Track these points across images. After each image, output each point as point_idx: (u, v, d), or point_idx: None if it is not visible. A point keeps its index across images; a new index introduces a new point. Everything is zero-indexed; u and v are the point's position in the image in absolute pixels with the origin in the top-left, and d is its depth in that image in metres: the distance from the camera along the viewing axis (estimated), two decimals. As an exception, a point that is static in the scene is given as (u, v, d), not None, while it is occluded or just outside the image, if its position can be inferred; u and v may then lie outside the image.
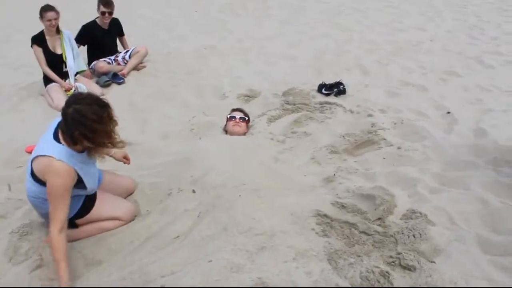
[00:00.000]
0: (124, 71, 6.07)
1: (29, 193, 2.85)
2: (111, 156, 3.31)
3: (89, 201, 3.04)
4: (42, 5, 5.33)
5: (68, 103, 2.57)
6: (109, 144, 2.69)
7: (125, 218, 3.11)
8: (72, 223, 2.98)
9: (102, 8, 6.05)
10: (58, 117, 2.76)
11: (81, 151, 2.76)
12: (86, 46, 6.19)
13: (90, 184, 2.88)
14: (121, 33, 6.54)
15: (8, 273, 2.69)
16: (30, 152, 4.16)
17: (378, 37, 7.64)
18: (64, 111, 2.56)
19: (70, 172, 2.65)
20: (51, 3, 5.37)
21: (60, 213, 2.61)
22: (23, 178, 3.69)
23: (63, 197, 2.63)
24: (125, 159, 3.41)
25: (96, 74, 6.07)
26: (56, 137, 2.71)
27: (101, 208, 3.06)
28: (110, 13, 6.12)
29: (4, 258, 2.78)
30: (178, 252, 2.71)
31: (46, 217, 2.86)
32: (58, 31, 5.40)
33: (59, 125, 2.73)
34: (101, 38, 6.17)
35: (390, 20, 8.79)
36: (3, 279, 2.65)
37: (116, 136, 2.70)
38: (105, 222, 3.06)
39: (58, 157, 2.61)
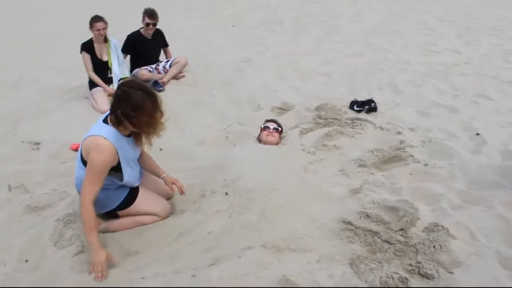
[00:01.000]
0: (164, 80, 6.36)
1: (77, 180, 3.04)
2: (162, 178, 3.41)
3: (132, 195, 3.22)
4: (89, 14, 5.70)
5: (119, 85, 2.81)
6: (151, 130, 2.84)
7: (162, 215, 3.29)
8: (113, 214, 3.22)
9: (147, 20, 6.38)
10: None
11: (128, 135, 2.96)
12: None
13: (127, 175, 3.02)
14: (165, 44, 6.86)
15: (53, 256, 2.94)
16: (75, 150, 4.47)
17: (412, 58, 7.75)
18: (115, 92, 2.81)
19: (112, 151, 2.81)
20: (99, 14, 5.74)
21: (95, 187, 2.77)
22: (68, 172, 4.04)
23: (100, 174, 2.80)
24: (176, 186, 3.40)
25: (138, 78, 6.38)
26: (105, 121, 2.91)
27: (142, 202, 3.24)
28: (154, 25, 6.45)
29: (50, 242, 3.04)
30: (210, 248, 2.91)
31: (96, 206, 2.95)
32: (105, 39, 5.74)
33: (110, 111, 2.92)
34: (144, 47, 6.49)
35: (425, 42, 8.87)
36: (49, 260, 2.89)
37: (159, 126, 2.85)
38: (143, 216, 3.25)
39: (105, 135, 2.80)
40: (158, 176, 3.40)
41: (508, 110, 5.33)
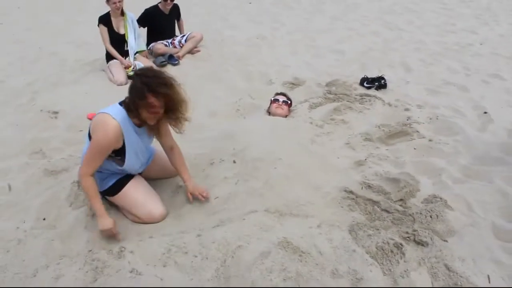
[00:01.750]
0: (180, 54, 6.47)
1: (84, 151, 2.99)
2: (185, 184, 3.25)
3: (120, 184, 3.12)
4: None
5: (137, 72, 2.75)
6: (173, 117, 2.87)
7: (144, 219, 3.09)
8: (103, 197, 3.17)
9: None
10: None
11: (139, 125, 2.91)
12: (146, 28, 6.64)
13: (130, 160, 2.95)
14: (179, 17, 6.95)
15: (68, 215, 3.11)
16: (91, 119, 4.61)
17: (427, 37, 7.72)
18: (133, 78, 2.75)
19: (118, 132, 2.77)
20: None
21: (92, 164, 2.80)
22: (84, 140, 4.19)
23: (101, 153, 2.79)
24: (200, 196, 3.19)
25: (154, 55, 6.51)
26: (121, 102, 2.87)
27: (126, 198, 3.11)
28: (172, 0, 6.54)
29: (66, 203, 3.21)
30: (216, 211, 3.06)
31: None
32: (122, 13, 5.85)
33: None
34: (161, 22, 6.60)
35: (442, 22, 8.81)
36: (64, 219, 3.07)
37: (177, 119, 2.89)
38: (126, 213, 3.17)
39: (113, 115, 2.76)
40: (182, 179, 3.26)
41: (520, 90, 5.34)
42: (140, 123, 2.90)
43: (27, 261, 2.69)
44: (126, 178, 3.15)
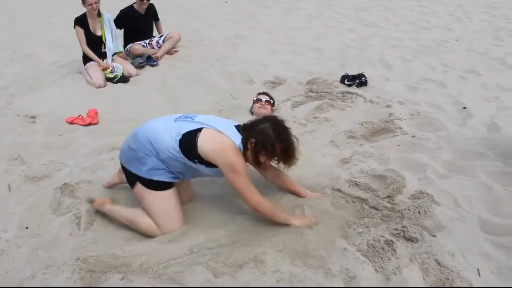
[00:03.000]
0: (158, 55, 6.40)
1: (154, 137, 2.74)
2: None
3: (163, 186, 2.85)
4: None
5: (271, 121, 2.81)
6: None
7: (163, 230, 2.84)
8: (132, 179, 2.88)
9: None
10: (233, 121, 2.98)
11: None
12: (123, 29, 6.53)
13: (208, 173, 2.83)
14: (156, 18, 6.86)
15: (53, 223, 3.02)
16: (70, 123, 4.53)
17: (403, 34, 7.81)
18: (264, 124, 2.75)
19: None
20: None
21: (252, 188, 2.68)
22: (65, 144, 4.14)
23: (248, 176, 2.68)
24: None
25: (131, 56, 6.41)
26: (238, 128, 2.82)
27: (157, 199, 2.84)
28: (148, 0, 6.45)
29: (49, 210, 3.12)
30: (204, 213, 3.02)
31: (131, 156, 2.82)
32: (99, 14, 5.74)
33: (241, 128, 2.82)
34: (137, 22, 6.50)
35: (417, 19, 8.93)
36: (48, 226, 2.99)
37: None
38: (143, 218, 2.88)
39: (237, 144, 2.69)
40: (300, 195, 3.17)
41: (495, 86, 5.44)
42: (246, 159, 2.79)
43: (11, 272, 2.60)
44: (171, 183, 2.89)
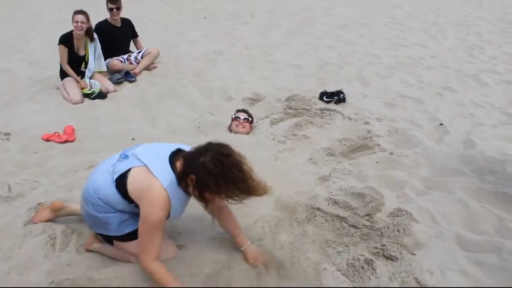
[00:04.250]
0: (136, 70, 6.35)
1: (98, 192, 2.55)
2: (243, 250, 2.72)
3: None
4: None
5: (213, 150, 2.33)
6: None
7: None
8: (108, 239, 2.73)
9: (110, 5, 6.34)
10: (175, 144, 2.62)
11: (188, 193, 2.45)
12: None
13: (175, 215, 2.45)
14: (135, 35, 6.83)
15: (26, 245, 2.92)
16: (46, 140, 4.45)
17: (380, 51, 7.91)
18: (205, 157, 2.28)
19: (168, 206, 2.36)
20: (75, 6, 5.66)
21: (154, 244, 2.35)
22: (40, 162, 4.05)
23: (159, 229, 2.36)
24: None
25: (109, 71, 6.34)
26: (172, 164, 2.42)
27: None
28: (118, 9, 6.39)
29: (23, 231, 3.02)
30: (182, 232, 2.97)
31: (93, 221, 2.67)
32: (88, 34, 5.66)
33: (176, 154, 2.48)
34: (113, 36, 6.41)
35: (393, 36, 9.07)
36: (21, 249, 2.88)
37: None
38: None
39: (165, 186, 2.33)
40: (237, 243, 2.75)
41: (470, 102, 5.54)
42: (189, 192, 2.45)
43: (-20, 297, 2.51)
44: None
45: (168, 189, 2.33)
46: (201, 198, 2.36)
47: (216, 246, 2.82)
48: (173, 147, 2.54)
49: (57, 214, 3.15)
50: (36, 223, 3.06)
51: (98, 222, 2.64)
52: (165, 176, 2.35)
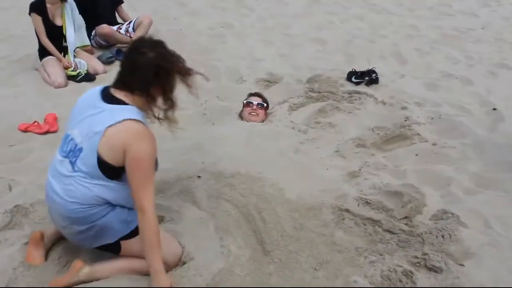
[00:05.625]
0: (130, 47, 6.33)
1: (79, 198, 2.55)
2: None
3: None
4: None
5: (128, 52, 2.65)
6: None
7: (171, 261, 2.76)
8: (114, 248, 2.72)
9: None
10: (89, 89, 2.78)
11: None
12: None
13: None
14: (119, 1, 6.76)
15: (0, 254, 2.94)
16: (24, 130, 4.47)
17: (420, 22, 7.83)
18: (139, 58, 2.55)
19: (153, 136, 2.54)
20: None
21: (151, 187, 2.48)
22: (17, 157, 4.05)
23: (153, 170, 2.53)
24: None
25: (96, 41, 6.33)
26: (115, 102, 2.57)
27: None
28: None
29: (-4, 239, 3.05)
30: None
31: (92, 236, 2.64)
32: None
33: (108, 94, 2.61)
34: (95, 3, 6.36)
35: (436, 3, 8.97)
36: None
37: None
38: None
39: (136, 118, 2.50)
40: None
41: (530, 82, 5.46)
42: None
43: None
44: None
45: (142, 120, 2.52)
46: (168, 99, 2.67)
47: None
48: (95, 94, 2.66)
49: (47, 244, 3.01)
50: None
51: (98, 232, 2.62)
52: (124, 113, 2.50)
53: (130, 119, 2.46)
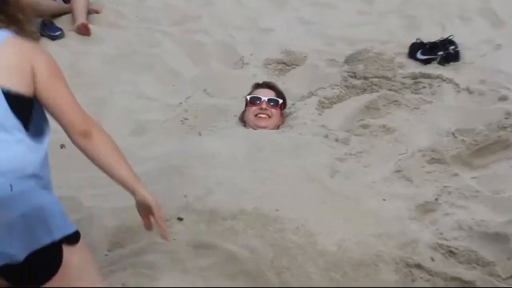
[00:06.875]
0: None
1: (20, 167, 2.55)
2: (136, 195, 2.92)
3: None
4: None
5: None
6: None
7: None
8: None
9: None
10: None
11: None
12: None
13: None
14: None
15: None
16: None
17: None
18: None
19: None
20: None
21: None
22: None
23: None
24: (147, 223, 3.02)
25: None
26: None
27: None
28: None
29: None
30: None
31: (24, 229, 2.53)
32: None
33: None
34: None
35: None
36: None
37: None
38: None
39: (11, 36, 2.76)
40: (127, 187, 2.91)
41: None
42: None
43: None
44: None
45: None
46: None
47: None
48: None
49: None
50: None
51: (35, 223, 2.50)
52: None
53: (9, 37, 2.69)
